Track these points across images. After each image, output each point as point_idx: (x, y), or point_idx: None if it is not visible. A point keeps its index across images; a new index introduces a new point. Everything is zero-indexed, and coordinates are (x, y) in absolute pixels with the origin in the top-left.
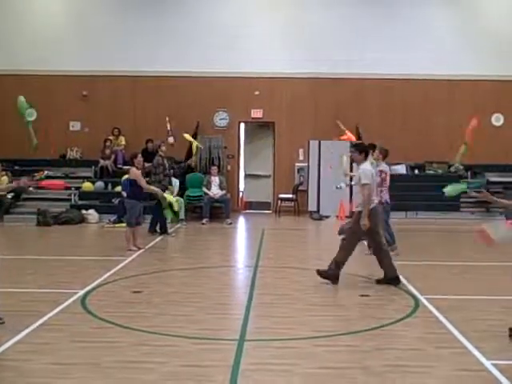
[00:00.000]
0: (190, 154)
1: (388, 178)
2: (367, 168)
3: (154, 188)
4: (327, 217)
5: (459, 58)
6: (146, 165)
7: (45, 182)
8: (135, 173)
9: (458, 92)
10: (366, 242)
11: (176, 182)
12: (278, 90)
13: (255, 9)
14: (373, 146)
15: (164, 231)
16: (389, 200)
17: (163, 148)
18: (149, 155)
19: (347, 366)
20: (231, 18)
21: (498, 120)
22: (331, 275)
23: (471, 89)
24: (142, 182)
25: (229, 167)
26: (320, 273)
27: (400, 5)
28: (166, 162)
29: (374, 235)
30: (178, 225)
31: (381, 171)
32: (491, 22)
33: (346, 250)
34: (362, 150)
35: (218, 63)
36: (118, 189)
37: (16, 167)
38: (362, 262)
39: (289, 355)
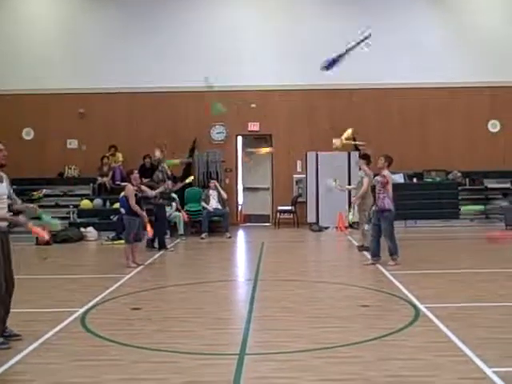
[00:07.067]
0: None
1: (390, 185)
2: None
3: (139, 210)
4: (326, 228)
5: (454, 66)
6: (144, 180)
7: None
8: (128, 189)
9: (454, 99)
10: (366, 253)
11: (175, 197)
12: (273, 102)
13: (248, 22)
14: (367, 156)
15: (162, 246)
16: (393, 208)
17: (165, 165)
18: (146, 171)
19: (349, 377)
20: (224, 32)
21: (494, 126)
22: None
23: (467, 96)
24: (132, 200)
25: (227, 181)
26: None
27: (394, 15)
28: (166, 177)
29: None
30: (178, 240)
31: (383, 176)
32: (486, 29)
33: None
34: None
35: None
36: (117, 206)
37: (14, 186)
38: (361, 272)
39: (290, 368)
